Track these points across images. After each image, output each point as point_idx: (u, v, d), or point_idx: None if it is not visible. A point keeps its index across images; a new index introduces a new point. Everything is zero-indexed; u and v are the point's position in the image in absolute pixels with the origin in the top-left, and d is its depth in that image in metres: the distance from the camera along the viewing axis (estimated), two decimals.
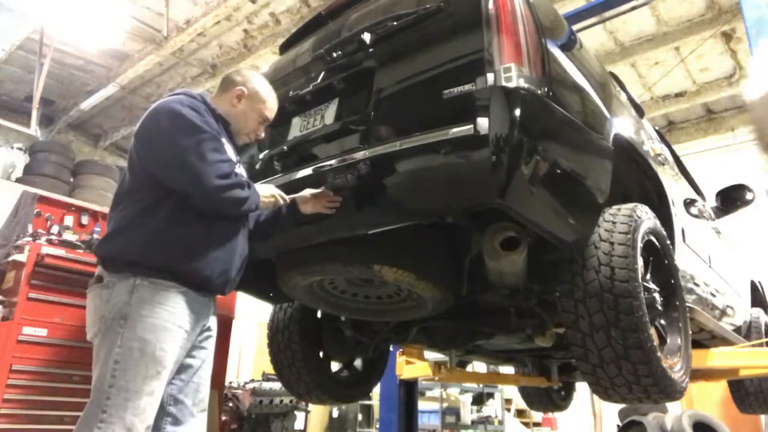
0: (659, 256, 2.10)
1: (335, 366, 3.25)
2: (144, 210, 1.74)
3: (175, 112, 1.74)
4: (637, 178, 2.41)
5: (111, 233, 1.78)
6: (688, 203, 2.94)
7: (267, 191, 1.91)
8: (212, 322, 1.93)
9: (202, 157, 1.69)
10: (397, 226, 1.83)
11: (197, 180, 1.69)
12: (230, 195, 1.73)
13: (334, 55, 2.13)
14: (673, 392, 1.84)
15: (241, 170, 1.90)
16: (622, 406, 5.93)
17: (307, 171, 2.03)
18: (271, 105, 2.02)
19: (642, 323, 1.73)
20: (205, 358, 1.89)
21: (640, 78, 6.94)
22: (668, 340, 2.06)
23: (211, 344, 1.92)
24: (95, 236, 3.72)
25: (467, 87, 1.63)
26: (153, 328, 1.65)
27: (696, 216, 3.03)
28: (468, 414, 7.63)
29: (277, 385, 5.14)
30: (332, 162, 1.94)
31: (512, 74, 1.59)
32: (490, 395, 8.17)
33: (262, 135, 2.08)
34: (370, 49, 2.02)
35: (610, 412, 7.84)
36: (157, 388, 1.66)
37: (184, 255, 1.74)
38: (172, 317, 1.70)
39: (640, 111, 2.79)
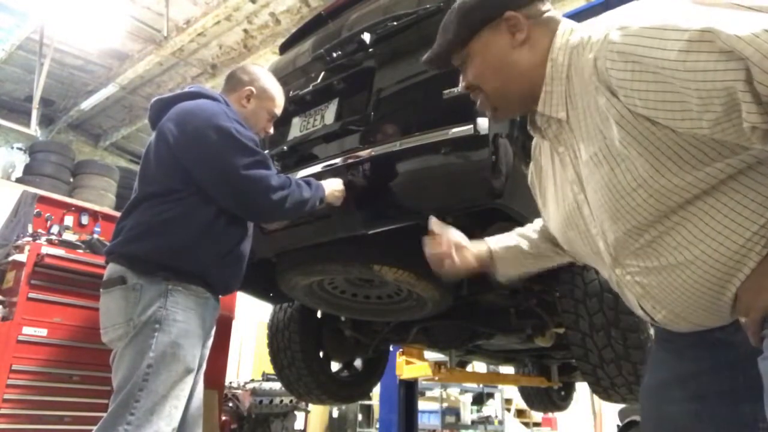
0: None
1: (335, 366, 3.26)
2: (184, 213, 1.68)
3: (225, 129, 1.70)
4: None
5: (142, 232, 1.67)
6: None
7: None
8: None
9: (259, 178, 1.69)
10: (397, 226, 1.83)
11: (259, 204, 1.71)
12: (292, 204, 1.74)
13: (334, 55, 2.13)
14: None
15: None
16: (622, 406, 5.93)
17: (306, 171, 2.03)
18: (279, 102, 2.00)
19: (642, 323, 1.73)
20: (205, 358, 1.90)
21: None
22: None
23: (209, 345, 1.93)
24: (95, 236, 3.71)
25: None
26: (186, 333, 1.65)
27: None
28: (468, 414, 7.62)
29: (277, 385, 5.13)
30: (332, 162, 1.94)
31: None
32: (490, 395, 8.16)
33: (271, 131, 2.05)
34: (370, 50, 2.02)
35: (610, 412, 7.83)
36: (183, 393, 1.65)
37: (218, 263, 1.74)
38: (201, 323, 1.71)
39: None
